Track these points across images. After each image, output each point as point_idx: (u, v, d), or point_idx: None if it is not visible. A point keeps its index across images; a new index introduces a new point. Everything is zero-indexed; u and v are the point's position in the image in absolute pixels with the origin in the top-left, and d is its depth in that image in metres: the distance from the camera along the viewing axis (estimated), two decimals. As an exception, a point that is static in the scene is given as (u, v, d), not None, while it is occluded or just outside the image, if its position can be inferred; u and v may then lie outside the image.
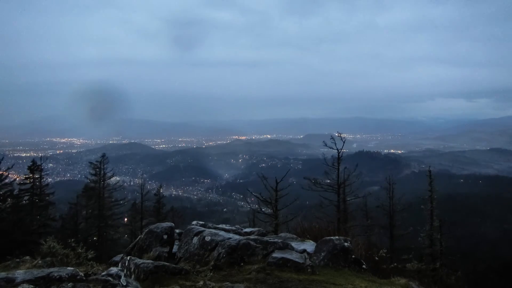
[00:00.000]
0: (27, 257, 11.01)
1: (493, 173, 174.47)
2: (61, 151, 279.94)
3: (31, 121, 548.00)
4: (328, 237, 9.87)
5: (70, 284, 5.37)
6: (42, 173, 26.98)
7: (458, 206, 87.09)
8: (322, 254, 9.18)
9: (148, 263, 7.68)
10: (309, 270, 8.30)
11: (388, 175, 28.97)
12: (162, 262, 7.93)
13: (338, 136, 22.48)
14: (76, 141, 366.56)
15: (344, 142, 22.13)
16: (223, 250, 8.82)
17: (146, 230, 10.78)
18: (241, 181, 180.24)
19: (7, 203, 22.98)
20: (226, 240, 9.12)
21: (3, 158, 24.98)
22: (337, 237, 9.89)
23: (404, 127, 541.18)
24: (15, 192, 25.07)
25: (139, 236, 11.09)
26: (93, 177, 31.64)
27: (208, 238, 9.46)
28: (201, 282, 7.08)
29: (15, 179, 27.91)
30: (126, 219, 35.88)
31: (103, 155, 32.45)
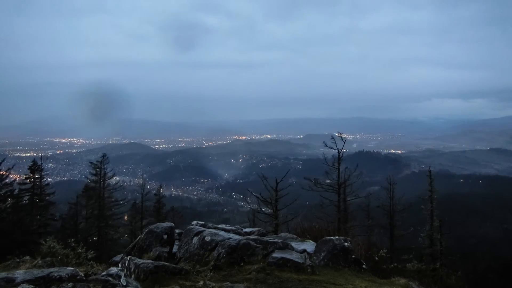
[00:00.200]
0: (27, 257, 11.01)
1: (493, 173, 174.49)
2: (61, 151, 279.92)
3: (31, 121, 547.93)
4: (328, 237, 9.87)
5: (70, 284, 5.37)
6: (43, 173, 26.99)
7: (458, 206, 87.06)
8: (322, 254, 9.18)
9: (148, 263, 7.68)
10: (309, 270, 8.30)
11: (388, 175, 28.96)
12: (162, 262, 7.94)
13: (338, 136, 22.48)
14: (76, 141, 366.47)
15: (344, 142, 22.13)
16: (223, 250, 8.82)
17: (146, 230, 10.78)
18: (241, 181, 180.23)
19: (7, 203, 22.99)
20: (226, 240, 9.12)
21: (4, 159, 25.03)
22: (337, 237, 9.89)
23: (404, 127, 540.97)
24: (16, 192, 25.08)
25: (139, 236, 11.09)
26: (93, 177, 31.65)
27: (208, 238, 9.46)
28: (201, 282, 7.08)
29: (15, 179, 27.93)
30: (126, 218, 35.89)
31: (104, 155, 32.46)
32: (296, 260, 8.56)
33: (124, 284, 5.95)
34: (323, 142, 22.48)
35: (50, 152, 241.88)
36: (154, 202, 33.25)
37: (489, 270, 37.05)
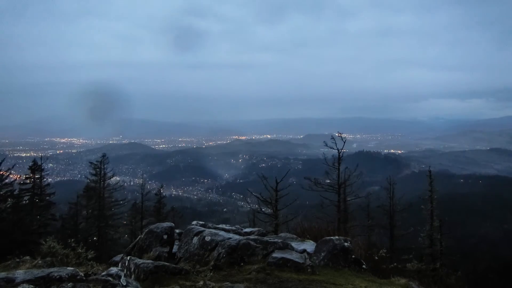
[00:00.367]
0: (27, 257, 11.01)
1: (493, 173, 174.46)
2: (61, 151, 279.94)
3: (31, 121, 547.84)
4: (328, 237, 9.88)
5: (70, 284, 5.37)
6: (43, 173, 26.99)
7: (458, 206, 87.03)
8: (322, 254, 9.18)
9: (148, 263, 7.68)
10: (309, 270, 8.30)
11: (388, 175, 28.97)
12: (162, 262, 7.94)
13: (338, 136, 22.48)
14: (76, 141, 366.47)
15: (344, 142, 22.13)
16: (223, 250, 8.82)
17: (146, 230, 10.79)
18: (241, 181, 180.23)
19: (7, 203, 22.98)
20: (226, 240, 9.12)
21: (4, 159, 25.03)
22: (337, 237, 9.90)
23: (404, 127, 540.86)
24: (16, 192, 25.08)
25: (139, 236, 11.09)
26: (94, 177, 31.64)
27: (208, 238, 9.46)
28: (201, 282, 7.08)
29: (15, 179, 27.91)
30: (126, 217, 35.90)
31: (104, 155, 32.45)
32: (296, 260, 8.56)
33: (124, 284, 5.95)
34: (323, 142, 22.48)
35: (50, 152, 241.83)
36: (155, 202, 33.25)
37: (489, 270, 37.05)
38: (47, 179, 29.05)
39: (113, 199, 33.21)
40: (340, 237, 9.99)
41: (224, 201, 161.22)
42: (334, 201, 22.16)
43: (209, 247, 9.24)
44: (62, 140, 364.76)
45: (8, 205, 23.00)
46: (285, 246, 9.34)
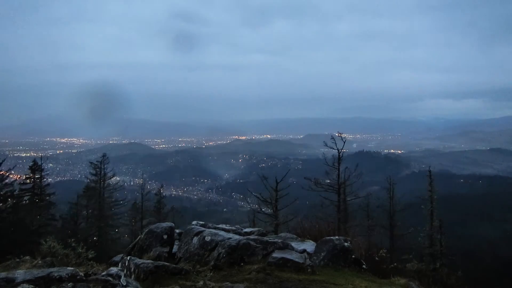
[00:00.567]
0: (27, 257, 11.02)
1: (493, 173, 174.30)
2: (61, 151, 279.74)
3: (31, 121, 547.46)
4: (328, 237, 9.88)
5: (70, 284, 5.37)
6: (43, 173, 27.01)
7: (458, 206, 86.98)
8: (322, 254, 9.18)
9: (148, 263, 7.69)
10: (309, 270, 8.30)
11: (388, 175, 28.97)
12: (162, 262, 7.94)
13: (338, 136, 22.49)
14: (76, 141, 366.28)
15: (344, 142, 22.13)
16: (223, 250, 8.81)
17: (146, 230, 10.79)
18: (241, 181, 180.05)
19: (7, 203, 22.99)
20: (226, 240, 9.12)
21: (4, 159, 25.04)
22: (337, 237, 9.90)
23: (404, 127, 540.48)
24: (16, 192, 25.09)
25: (139, 236, 11.09)
26: (94, 177, 31.68)
27: (208, 238, 9.46)
28: (201, 282, 7.08)
29: (15, 179, 27.93)
30: (126, 217, 35.91)
31: (104, 155, 32.49)
32: (296, 260, 8.56)
33: (124, 284, 5.95)
34: (323, 142, 22.50)
35: (50, 152, 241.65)
36: (155, 202, 33.28)
37: (489, 270, 37.06)
38: (47, 179, 29.08)
39: (113, 199, 33.24)
40: (340, 237, 9.99)
41: (224, 201, 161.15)
42: (334, 201, 22.16)
43: (209, 247, 9.24)
44: (62, 140, 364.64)
45: (8, 205, 23.01)
46: (285, 246, 9.33)
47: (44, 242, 12.63)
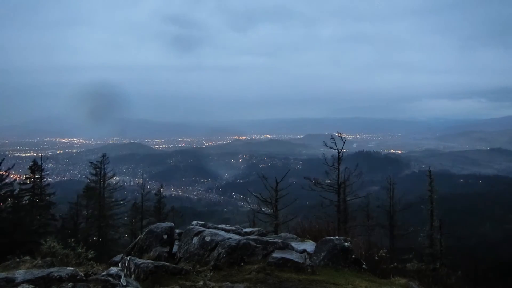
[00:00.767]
0: (27, 257, 11.01)
1: (493, 173, 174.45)
2: (61, 151, 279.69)
3: (31, 121, 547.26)
4: (328, 237, 9.88)
5: (70, 284, 5.37)
6: (43, 173, 27.00)
7: (458, 206, 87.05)
8: (322, 254, 9.18)
9: (148, 263, 7.69)
10: (309, 270, 8.30)
11: (388, 175, 28.97)
12: (162, 262, 7.94)
13: (338, 136, 22.50)
14: (76, 141, 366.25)
15: (344, 142, 22.14)
16: (223, 250, 8.82)
17: (146, 230, 10.78)
18: (241, 181, 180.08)
19: (7, 203, 23.00)
20: (226, 240, 9.12)
21: (4, 159, 25.04)
22: (337, 237, 9.89)
23: (404, 127, 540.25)
24: (16, 192, 25.10)
25: (139, 236, 11.09)
26: (94, 177, 31.67)
27: (208, 238, 9.46)
28: (201, 282, 7.09)
29: (15, 179, 27.94)
30: (126, 217, 35.94)
31: (104, 155, 32.49)
32: (296, 260, 8.56)
33: (124, 284, 5.95)
34: (323, 142, 22.51)
35: (50, 152, 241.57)
36: (155, 202, 33.27)
37: (489, 270, 37.02)
38: (47, 179, 29.07)
39: (113, 199, 33.24)
40: (340, 237, 9.99)
41: (224, 201, 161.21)
42: (334, 201, 22.17)
43: (209, 247, 9.24)
44: (62, 140, 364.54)
45: (8, 205, 23.02)
46: (285, 246, 9.33)
47: (44, 242, 12.62)
